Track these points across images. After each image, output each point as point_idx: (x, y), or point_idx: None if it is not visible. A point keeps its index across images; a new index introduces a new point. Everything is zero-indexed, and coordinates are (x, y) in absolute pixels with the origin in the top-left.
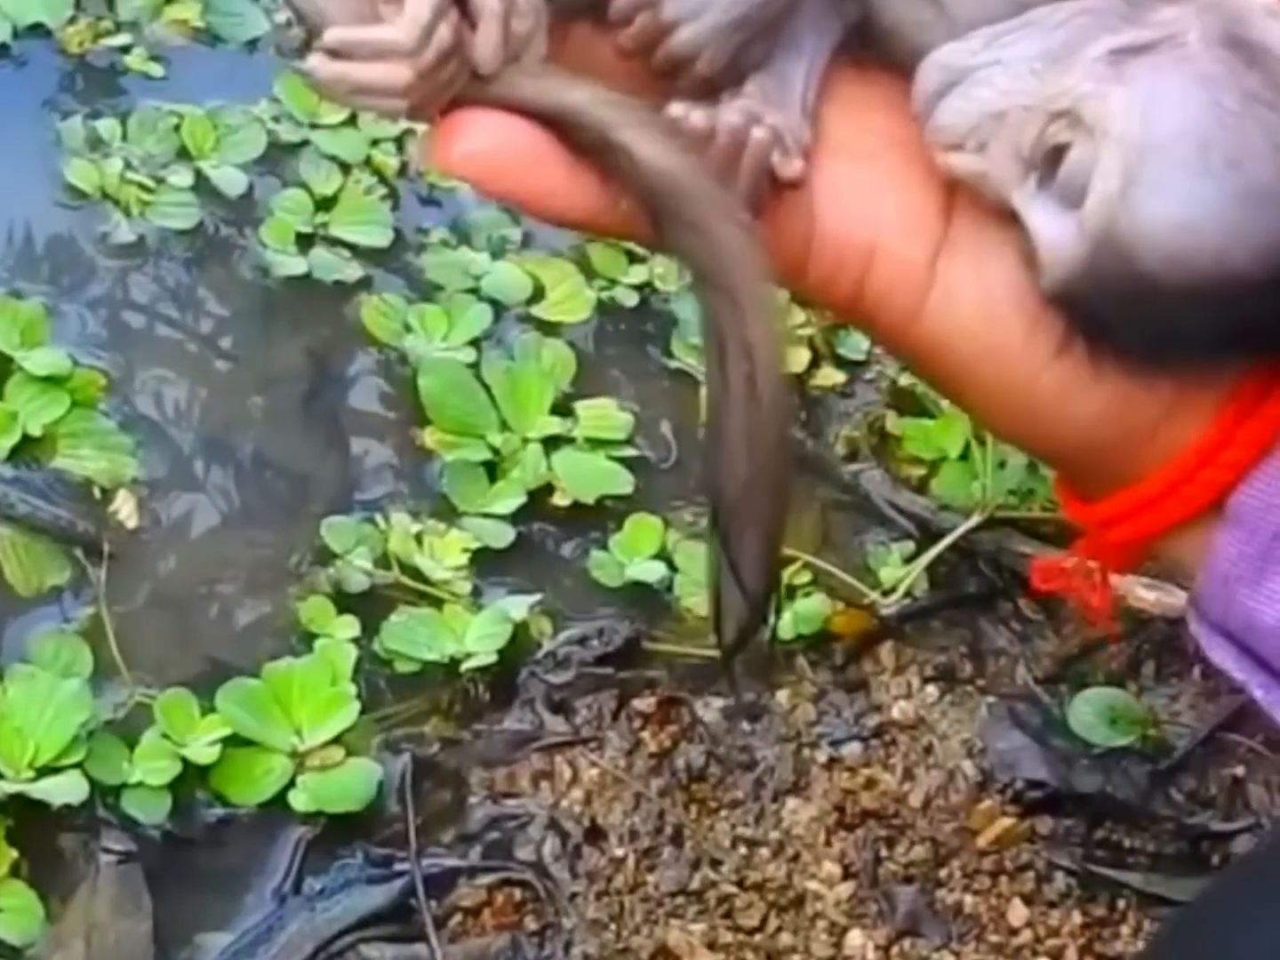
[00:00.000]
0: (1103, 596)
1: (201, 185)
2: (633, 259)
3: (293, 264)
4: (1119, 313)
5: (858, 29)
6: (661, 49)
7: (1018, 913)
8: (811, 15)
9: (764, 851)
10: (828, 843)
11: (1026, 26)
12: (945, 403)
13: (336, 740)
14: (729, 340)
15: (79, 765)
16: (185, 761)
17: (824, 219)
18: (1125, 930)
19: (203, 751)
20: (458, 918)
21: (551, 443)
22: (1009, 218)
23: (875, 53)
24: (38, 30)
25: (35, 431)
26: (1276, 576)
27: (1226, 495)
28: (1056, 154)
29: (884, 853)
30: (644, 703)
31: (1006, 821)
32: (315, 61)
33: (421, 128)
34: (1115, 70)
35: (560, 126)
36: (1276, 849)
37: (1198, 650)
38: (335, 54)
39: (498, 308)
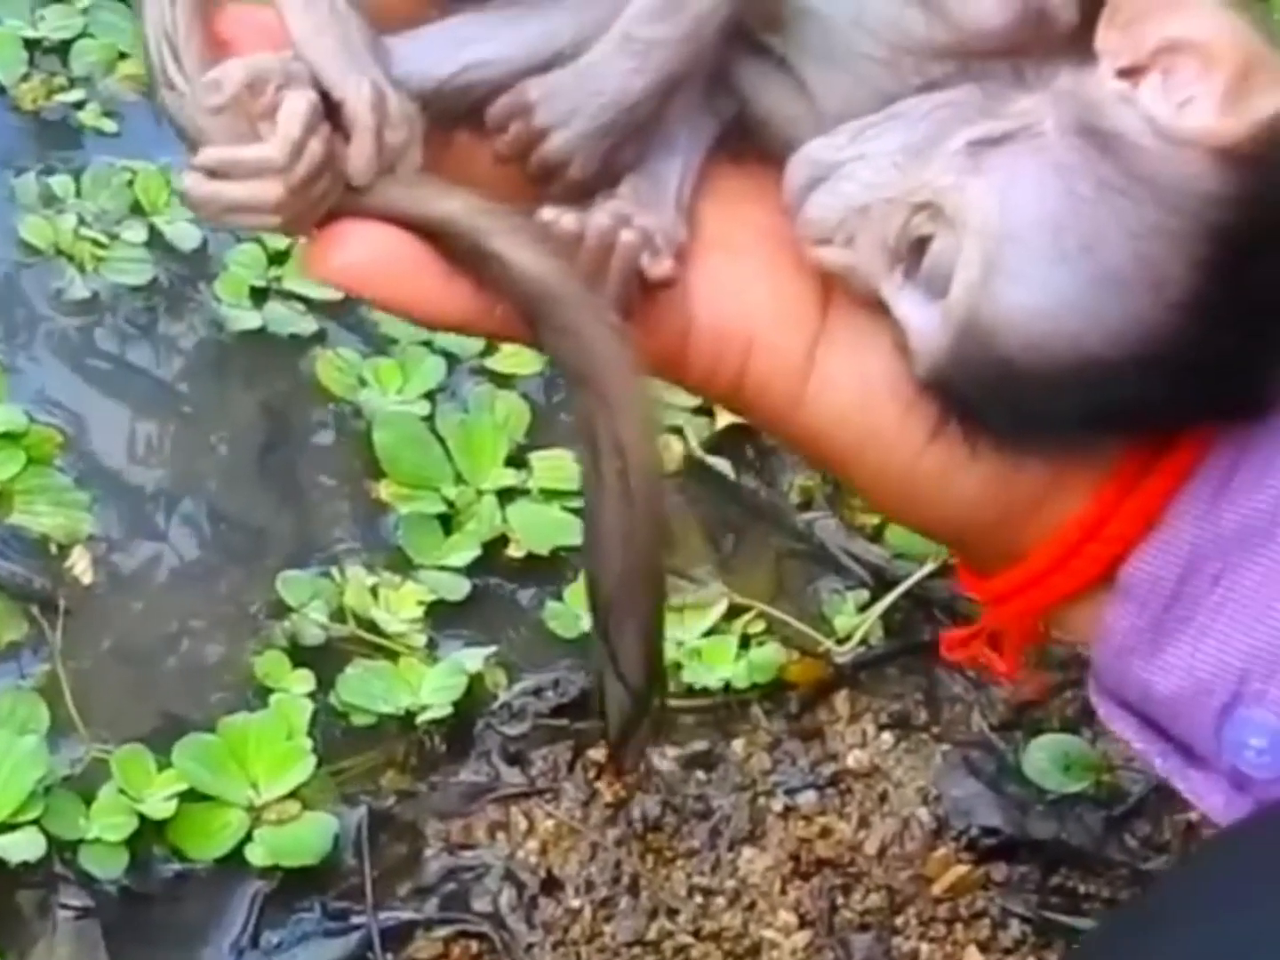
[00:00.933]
0: (1010, 664)
1: (155, 240)
2: None
3: (247, 318)
4: (986, 398)
5: (735, 123)
6: (535, 155)
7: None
8: (684, 113)
9: (720, 901)
10: (783, 891)
11: (889, 120)
12: None
13: (293, 794)
14: (602, 438)
15: (36, 821)
16: (142, 817)
17: (701, 313)
18: None
19: (159, 807)
20: None
21: (506, 494)
22: (883, 307)
23: (753, 146)
24: None
25: None
26: (1170, 647)
27: (1116, 568)
28: (920, 246)
29: (840, 901)
30: (599, 753)
31: (961, 869)
32: (190, 181)
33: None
34: (973, 162)
35: (435, 235)
36: (1165, 889)
37: None
38: (212, 173)
39: (451, 360)
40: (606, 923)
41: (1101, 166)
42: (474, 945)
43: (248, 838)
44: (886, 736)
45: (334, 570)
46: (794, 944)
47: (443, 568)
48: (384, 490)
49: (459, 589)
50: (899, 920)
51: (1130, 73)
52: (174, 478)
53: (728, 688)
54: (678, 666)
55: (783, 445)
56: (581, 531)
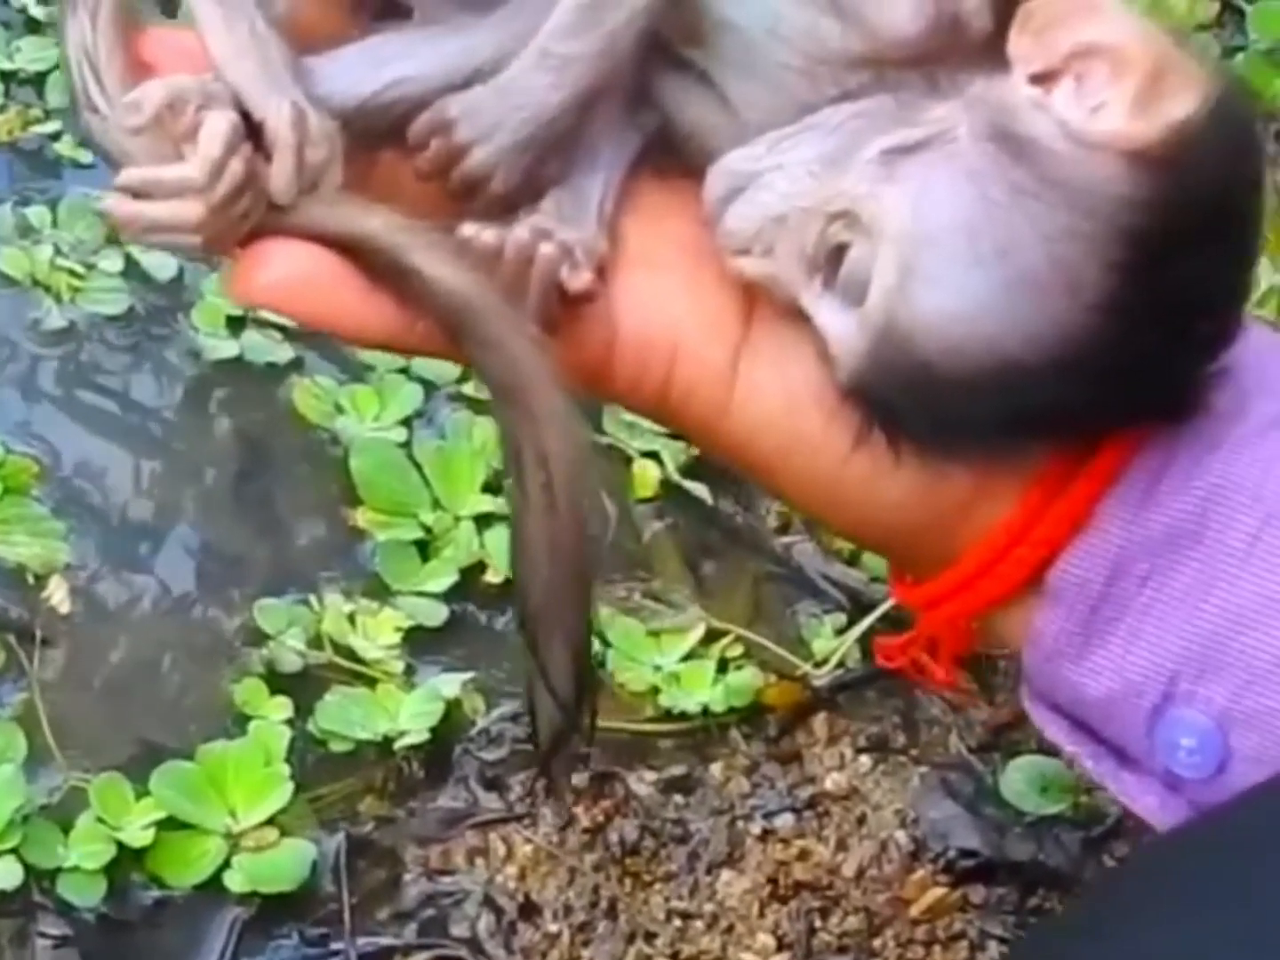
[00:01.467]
0: (947, 671)
1: (132, 270)
2: None
3: (224, 347)
4: (906, 403)
5: (659, 138)
6: (456, 171)
7: None
8: (607, 128)
9: (698, 924)
10: (761, 914)
11: (806, 130)
12: None
13: (271, 821)
14: (525, 451)
15: (14, 850)
16: (120, 845)
17: (625, 326)
18: None
19: (138, 834)
20: None
21: (484, 520)
22: (805, 316)
23: (676, 160)
24: None
25: None
26: (1099, 650)
27: (1044, 572)
28: (838, 254)
29: (818, 924)
30: (577, 778)
31: (939, 891)
32: (112, 201)
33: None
34: (888, 170)
35: (357, 251)
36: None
37: None
38: (134, 193)
39: (428, 387)
40: (585, 947)
41: (1014, 171)
42: None
43: (226, 865)
44: (864, 759)
45: (311, 597)
46: None
47: (420, 594)
48: (361, 517)
49: (437, 615)
50: (877, 943)
51: (1043, 78)
52: (151, 507)
53: (706, 712)
54: (655, 691)
55: (708, 454)
56: (509, 544)
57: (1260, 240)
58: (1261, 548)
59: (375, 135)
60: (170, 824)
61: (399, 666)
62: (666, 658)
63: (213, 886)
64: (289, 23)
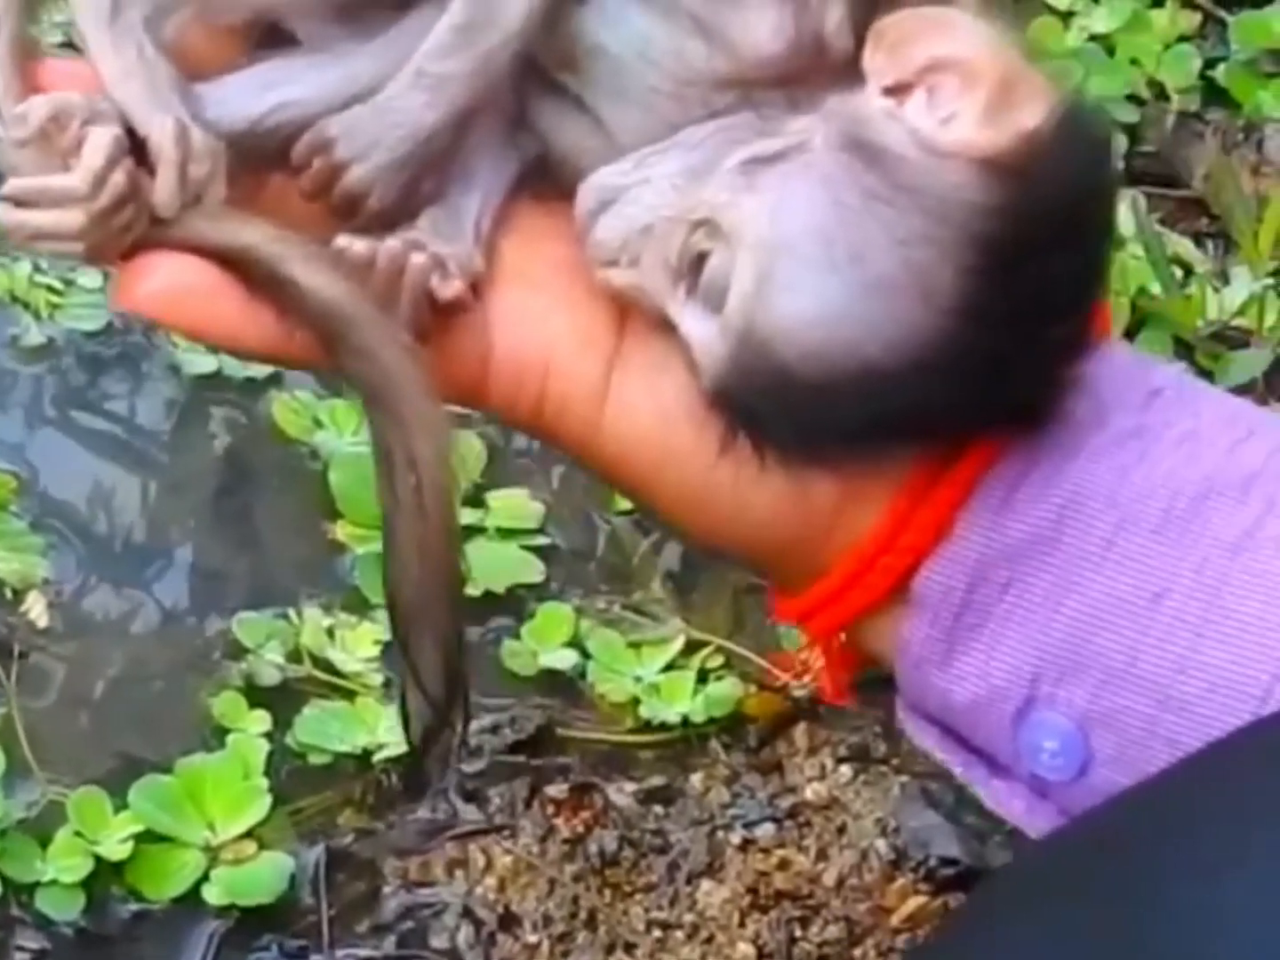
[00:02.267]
0: (834, 684)
1: (111, 286)
2: None
3: (203, 362)
4: (767, 408)
5: (539, 162)
6: (337, 188)
7: None
8: (485, 149)
9: (678, 934)
10: (742, 924)
11: (672, 147)
12: None
13: (249, 834)
14: (396, 455)
15: None
16: (98, 858)
17: (500, 342)
18: None
19: (116, 848)
20: None
21: (463, 533)
22: (674, 327)
23: (555, 184)
24: None
25: None
26: (963, 656)
27: (910, 580)
28: (700, 262)
29: (798, 933)
30: (557, 789)
31: (920, 899)
32: None
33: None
34: (747, 179)
35: (236, 264)
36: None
37: None
38: (19, 202)
39: None
40: (565, 958)
41: (867, 178)
42: None
43: (204, 878)
44: (845, 769)
45: (291, 611)
46: None
47: None
48: (340, 531)
49: None
50: (857, 951)
51: (896, 91)
52: (130, 521)
53: (686, 722)
54: (636, 702)
55: (586, 470)
56: (381, 544)
57: (1110, 248)
58: (1116, 552)
59: (263, 157)
60: (149, 837)
61: (378, 679)
62: (647, 669)
63: (191, 899)
64: (177, 49)
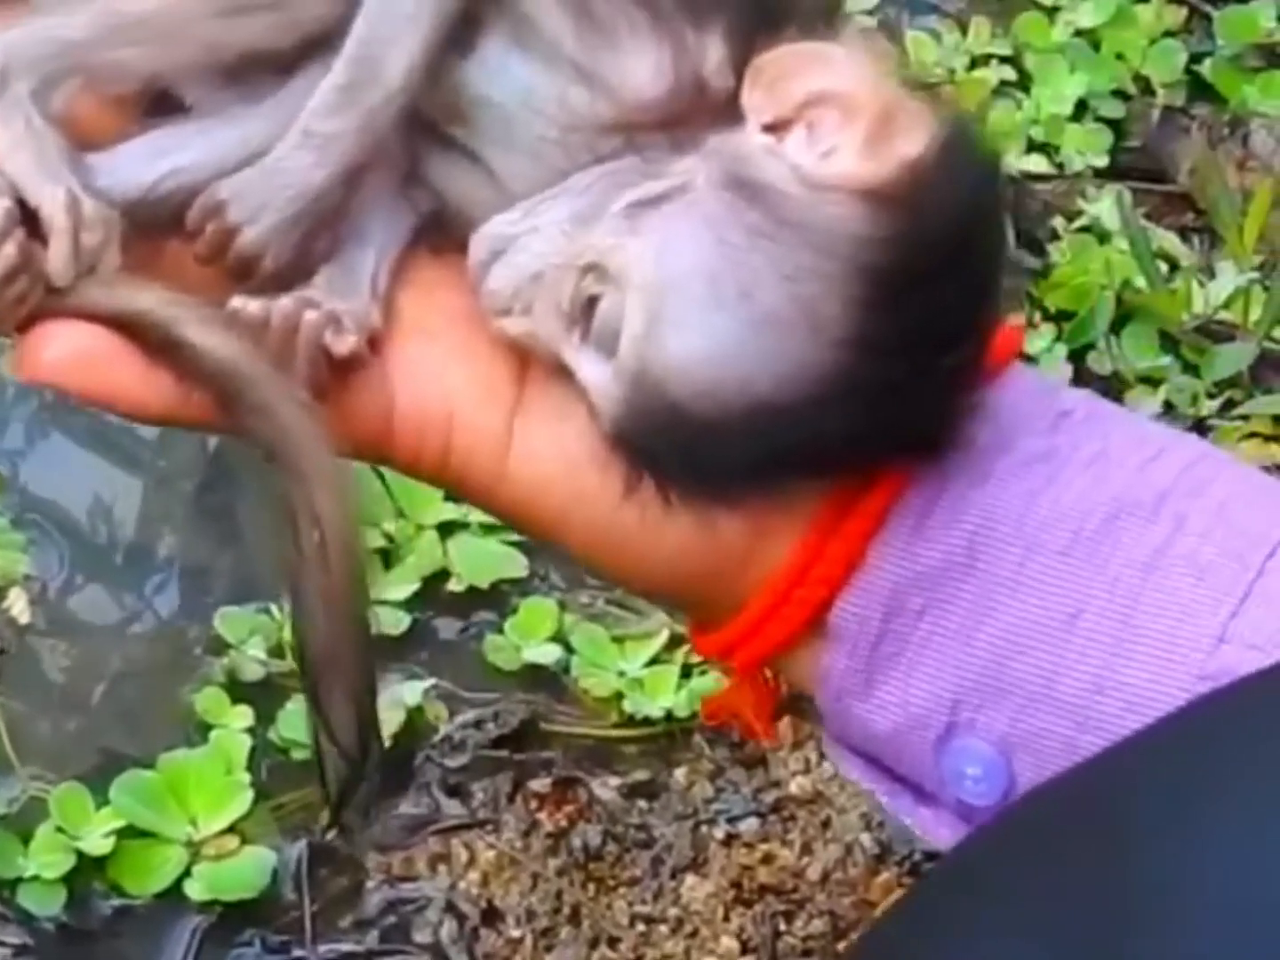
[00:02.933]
0: (762, 724)
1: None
2: None
3: None
4: (665, 448)
5: (435, 217)
6: (231, 251)
7: None
8: (378, 205)
9: (662, 929)
10: (726, 918)
11: (560, 194)
12: None
13: (232, 829)
14: (299, 511)
15: None
16: (80, 854)
17: (401, 396)
18: None
19: (98, 843)
20: None
21: (446, 528)
22: (568, 370)
23: (452, 237)
24: None
25: None
26: (882, 685)
27: (826, 612)
28: (591, 306)
29: (782, 927)
30: (540, 784)
31: (904, 893)
32: None
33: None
34: (632, 223)
35: (133, 329)
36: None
37: None
38: None
39: None
40: (548, 953)
41: (750, 215)
42: None
43: (186, 873)
44: (829, 763)
45: (273, 606)
46: None
47: (382, 602)
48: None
49: (399, 623)
50: (842, 945)
51: (776, 127)
52: (112, 517)
53: (670, 717)
54: (619, 696)
55: (497, 519)
56: (291, 599)
57: (1000, 276)
58: (1027, 575)
59: (159, 224)
60: (130, 833)
61: None
62: (631, 663)
63: (173, 895)
64: (67, 120)
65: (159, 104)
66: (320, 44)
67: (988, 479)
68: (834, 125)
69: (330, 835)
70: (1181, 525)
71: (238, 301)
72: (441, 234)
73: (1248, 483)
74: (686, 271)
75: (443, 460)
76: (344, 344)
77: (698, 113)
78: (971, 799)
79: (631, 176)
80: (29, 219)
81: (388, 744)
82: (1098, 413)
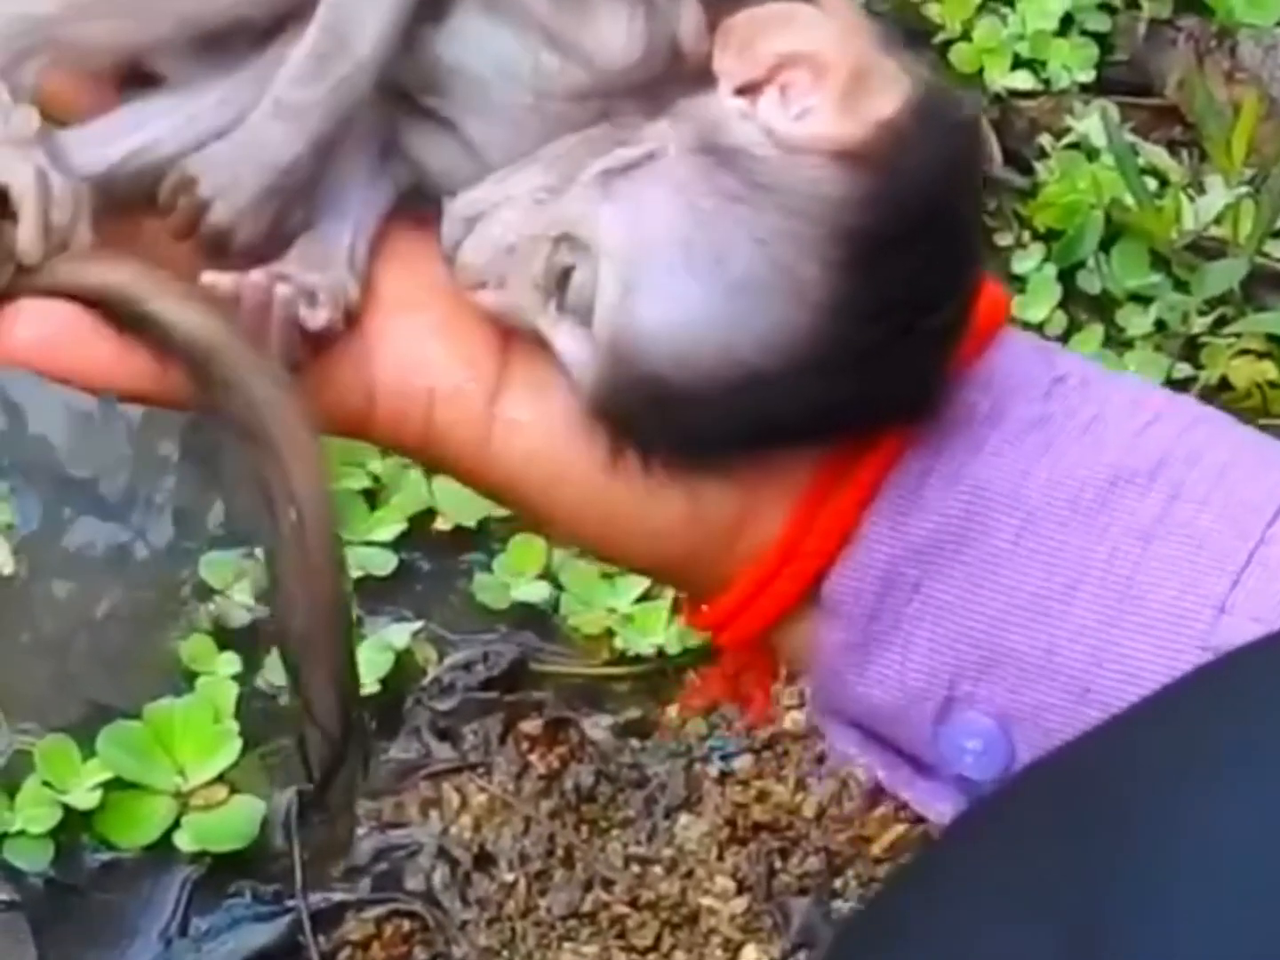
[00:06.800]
0: (758, 701)
1: None
2: None
3: None
4: (647, 420)
5: (416, 189)
6: (203, 225)
7: None
8: (354, 177)
9: (657, 870)
10: (720, 858)
11: (531, 163)
12: None
13: (220, 778)
14: (275, 489)
15: None
16: (67, 808)
17: (382, 370)
18: None
19: (85, 797)
20: (346, 952)
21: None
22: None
23: (433, 209)
24: None
25: None
26: (879, 659)
27: (820, 585)
28: (565, 277)
29: (778, 865)
30: (531, 725)
31: (901, 827)
32: None
33: None
34: (604, 190)
35: (106, 306)
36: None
37: None
38: None
39: None
40: (541, 896)
41: (723, 179)
42: (406, 924)
43: (175, 824)
44: None
45: (258, 551)
46: (732, 910)
47: (369, 543)
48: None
49: (386, 564)
50: (838, 883)
51: (748, 90)
52: (93, 464)
53: (661, 653)
54: (610, 633)
55: (481, 494)
56: (268, 578)
57: (980, 237)
58: (1025, 546)
59: (131, 201)
60: (118, 785)
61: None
62: (621, 599)
63: (162, 847)
64: (38, 96)
65: (135, 79)
66: (294, 15)
67: (982, 448)
68: (806, 86)
69: (316, 818)
70: (1180, 493)
71: (210, 277)
72: (423, 206)
73: (1246, 447)
74: (659, 238)
75: (425, 435)
76: (317, 318)
77: (673, 78)
78: (971, 772)
79: (603, 144)
80: None
81: (376, 689)
82: (1092, 377)
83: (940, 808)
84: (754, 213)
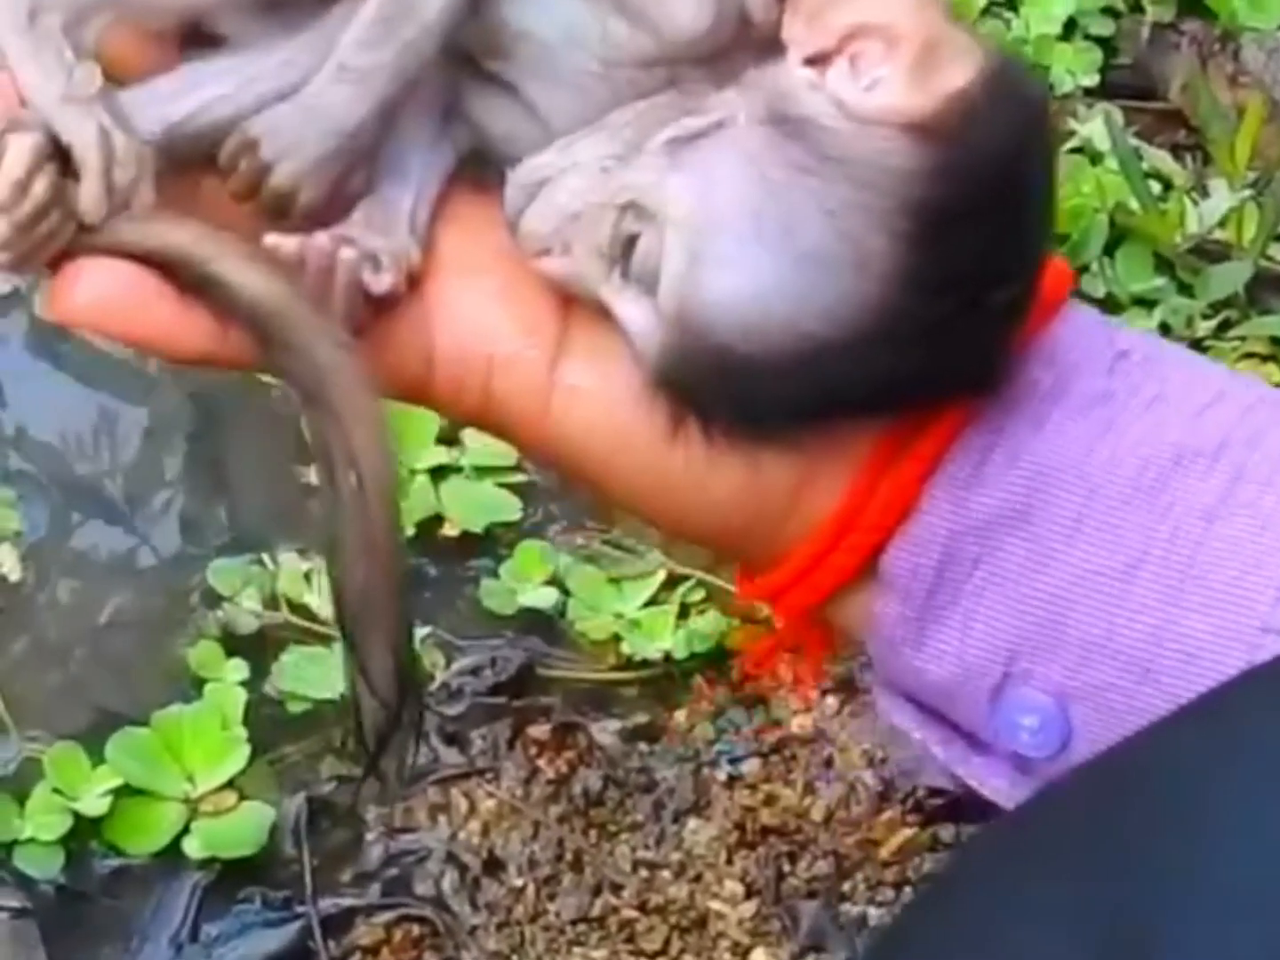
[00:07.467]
0: (813, 669)
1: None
2: None
3: None
4: (711, 390)
5: (476, 152)
6: (265, 188)
7: None
8: (417, 141)
9: (665, 874)
10: (729, 861)
11: (597, 131)
12: None
13: (229, 784)
14: (336, 453)
15: None
16: (77, 814)
17: (442, 335)
18: None
19: (94, 803)
20: (356, 957)
21: (439, 473)
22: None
23: (494, 173)
24: None
25: None
26: (937, 634)
27: (879, 558)
28: (630, 245)
29: (786, 868)
30: (539, 730)
31: (909, 831)
32: None
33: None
34: (671, 159)
35: (168, 266)
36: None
37: None
38: None
39: None
40: (550, 901)
41: (792, 150)
42: (415, 929)
43: (185, 831)
44: (830, 700)
45: (266, 557)
46: (741, 914)
47: None
48: (314, 474)
49: None
50: (846, 886)
51: (818, 60)
52: (101, 470)
53: (668, 658)
54: (617, 638)
55: (538, 463)
56: (328, 544)
57: (1053, 210)
58: (1087, 524)
59: (193, 161)
60: (127, 791)
61: None
62: (628, 604)
63: (172, 853)
64: (100, 54)
65: (197, 38)
66: None
67: (1045, 423)
68: (877, 57)
69: (364, 786)
70: (1243, 474)
71: (272, 239)
72: (484, 170)
73: None
74: (727, 208)
75: (484, 402)
76: (381, 282)
77: (741, 47)
78: (1027, 750)
79: (671, 112)
80: (60, 155)
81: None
82: (1155, 353)
83: (995, 784)
84: (823, 184)
